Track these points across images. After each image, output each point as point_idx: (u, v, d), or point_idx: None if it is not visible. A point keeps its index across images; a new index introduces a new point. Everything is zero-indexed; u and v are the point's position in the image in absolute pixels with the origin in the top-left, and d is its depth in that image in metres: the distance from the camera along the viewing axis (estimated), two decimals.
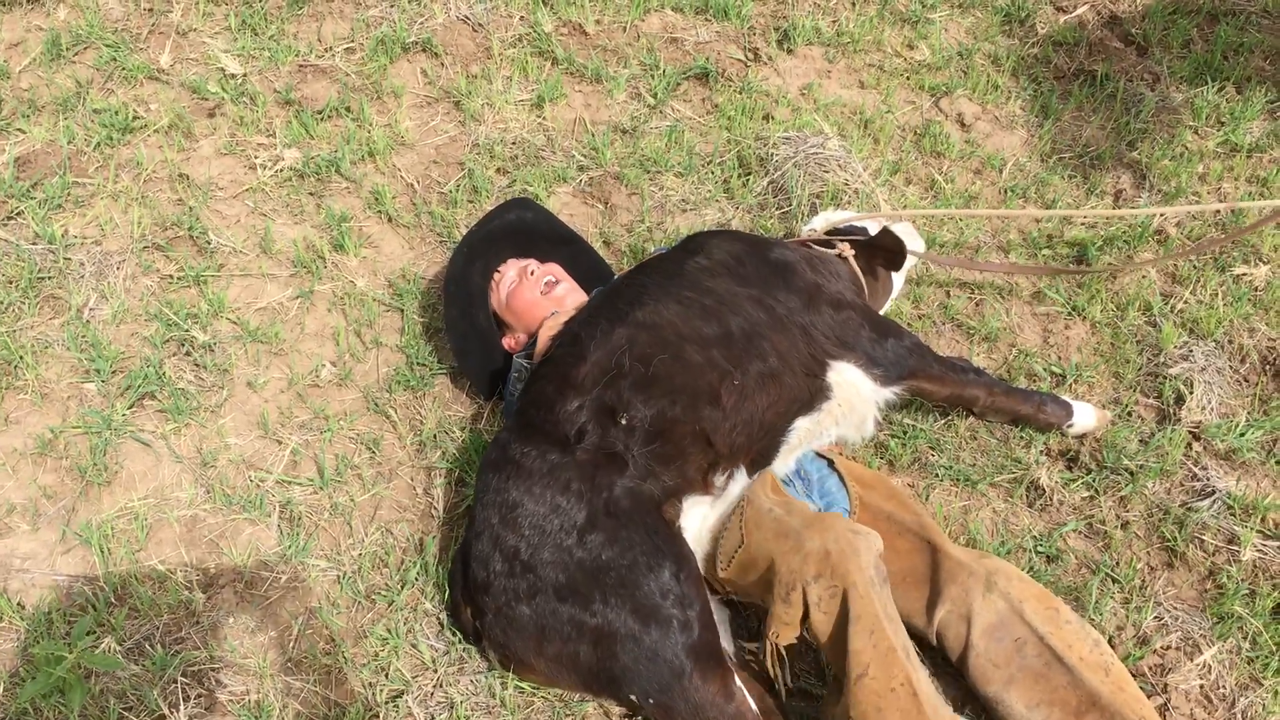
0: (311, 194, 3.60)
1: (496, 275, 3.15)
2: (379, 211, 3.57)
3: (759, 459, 2.58)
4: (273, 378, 3.14)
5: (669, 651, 2.25)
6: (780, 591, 2.31)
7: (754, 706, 2.29)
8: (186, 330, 3.17)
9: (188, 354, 3.14)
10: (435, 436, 3.04)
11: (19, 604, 2.63)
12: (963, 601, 2.44)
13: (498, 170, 3.72)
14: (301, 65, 3.94)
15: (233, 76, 3.85)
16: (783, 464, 2.65)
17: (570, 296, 3.08)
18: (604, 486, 2.35)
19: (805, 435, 2.65)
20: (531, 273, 3.09)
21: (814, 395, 2.64)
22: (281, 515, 2.86)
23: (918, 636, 2.53)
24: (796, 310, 2.69)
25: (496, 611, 2.38)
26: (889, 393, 2.79)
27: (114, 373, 3.07)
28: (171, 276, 3.32)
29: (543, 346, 2.78)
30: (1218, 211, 3.67)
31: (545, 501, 2.34)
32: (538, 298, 3.04)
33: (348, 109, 3.83)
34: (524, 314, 3.06)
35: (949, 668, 2.57)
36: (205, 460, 2.95)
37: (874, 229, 3.15)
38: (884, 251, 3.04)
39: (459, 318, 3.06)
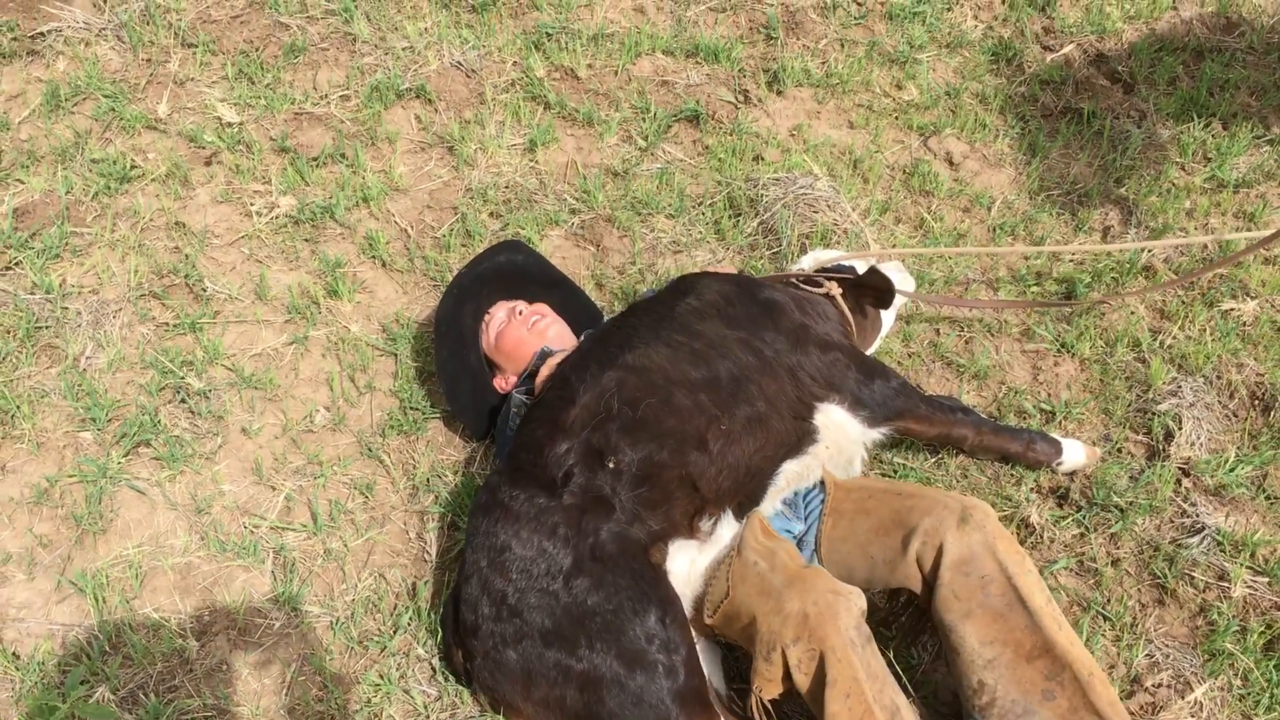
0: (306, 240, 3.64)
1: (486, 318, 3.18)
2: (373, 256, 3.61)
3: (745, 502, 2.59)
4: (267, 424, 3.17)
5: (654, 697, 2.25)
6: (762, 650, 2.33)
7: None
8: (182, 378, 3.20)
9: (183, 401, 3.17)
10: (428, 480, 3.06)
11: (13, 653, 2.64)
12: (935, 533, 2.42)
13: (490, 214, 3.77)
14: (297, 113, 4.00)
15: (229, 125, 3.91)
16: (770, 505, 2.66)
17: (558, 334, 3.11)
18: (590, 531, 2.37)
19: (792, 478, 2.67)
20: (520, 313, 3.12)
21: (801, 438, 2.66)
22: (275, 561, 2.88)
23: (895, 586, 2.53)
24: (784, 351, 2.71)
25: (484, 655, 2.40)
26: (876, 433, 2.81)
27: (110, 421, 3.10)
28: (167, 324, 3.36)
29: (543, 381, 2.80)
30: (1205, 246, 3.70)
31: (532, 545, 2.36)
32: (525, 335, 3.08)
33: (343, 155, 3.88)
34: (513, 353, 3.08)
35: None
36: (200, 507, 2.97)
37: (863, 268, 3.18)
38: (872, 290, 3.07)
39: (449, 358, 3.08)
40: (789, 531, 2.72)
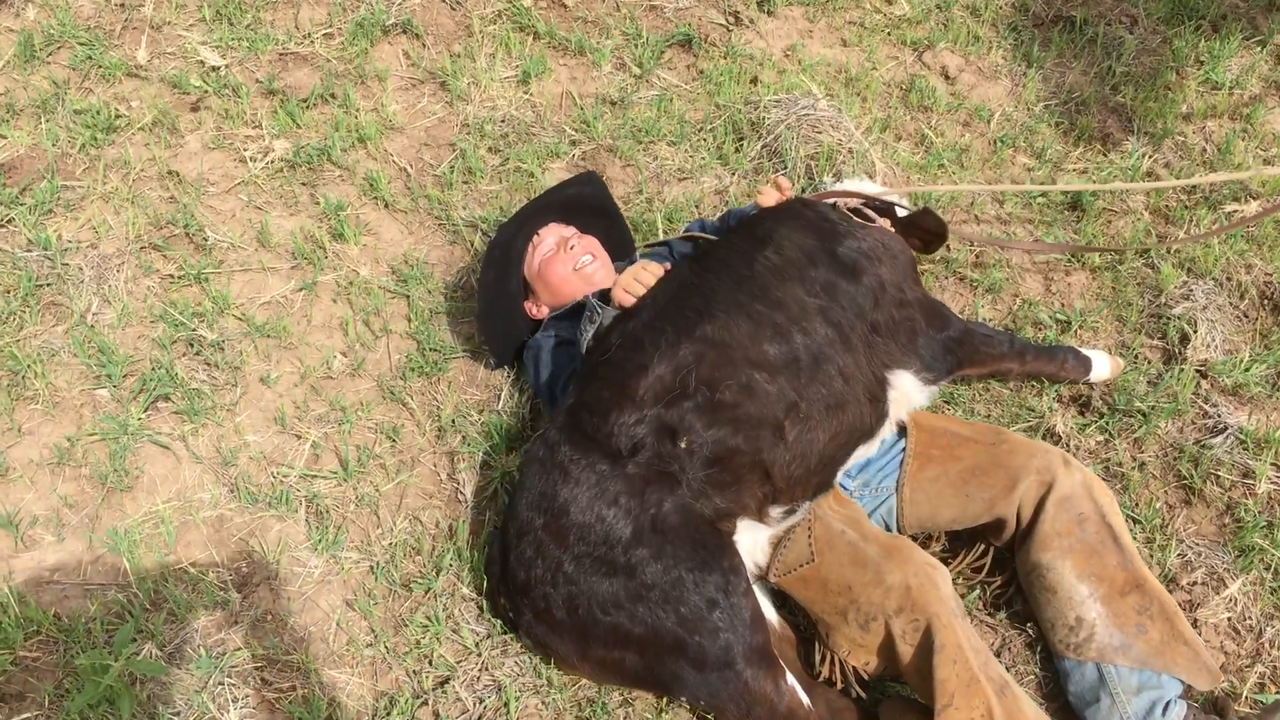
0: (304, 184, 3.56)
1: (536, 238, 3.11)
2: (375, 198, 3.54)
3: (818, 491, 2.53)
4: (285, 372, 3.13)
5: (717, 659, 2.26)
6: (858, 619, 2.36)
7: (806, 701, 2.31)
8: (193, 329, 3.14)
9: (197, 353, 3.12)
10: (454, 421, 3.04)
11: (55, 615, 2.61)
12: (1047, 471, 2.53)
13: (489, 149, 3.70)
14: (282, 54, 3.89)
15: (213, 69, 3.79)
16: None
17: (603, 278, 3.03)
18: (653, 503, 2.31)
19: (858, 458, 2.64)
20: (571, 246, 3.04)
21: (875, 423, 2.58)
22: (308, 509, 2.86)
23: (992, 529, 2.62)
24: (863, 310, 2.60)
25: (536, 615, 2.38)
26: (935, 389, 2.79)
27: (125, 376, 3.04)
28: (172, 276, 3.29)
29: (619, 299, 2.68)
30: (1203, 150, 3.73)
31: (592, 512, 2.31)
32: (569, 274, 3.01)
33: (332, 95, 3.79)
34: (554, 287, 3.03)
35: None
36: (226, 459, 2.93)
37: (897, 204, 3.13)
38: (922, 233, 2.97)
39: (493, 281, 3.02)
40: (843, 487, 2.73)
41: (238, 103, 3.73)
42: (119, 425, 2.93)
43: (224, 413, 3.02)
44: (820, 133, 3.63)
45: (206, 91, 3.74)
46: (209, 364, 3.10)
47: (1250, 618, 2.66)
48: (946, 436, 2.67)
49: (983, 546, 2.68)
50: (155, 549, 2.76)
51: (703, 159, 3.68)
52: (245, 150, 3.61)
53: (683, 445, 2.35)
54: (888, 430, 2.68)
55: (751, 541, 2.51)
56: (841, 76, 3.97)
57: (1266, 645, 2.62)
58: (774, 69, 3.97)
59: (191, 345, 3.13)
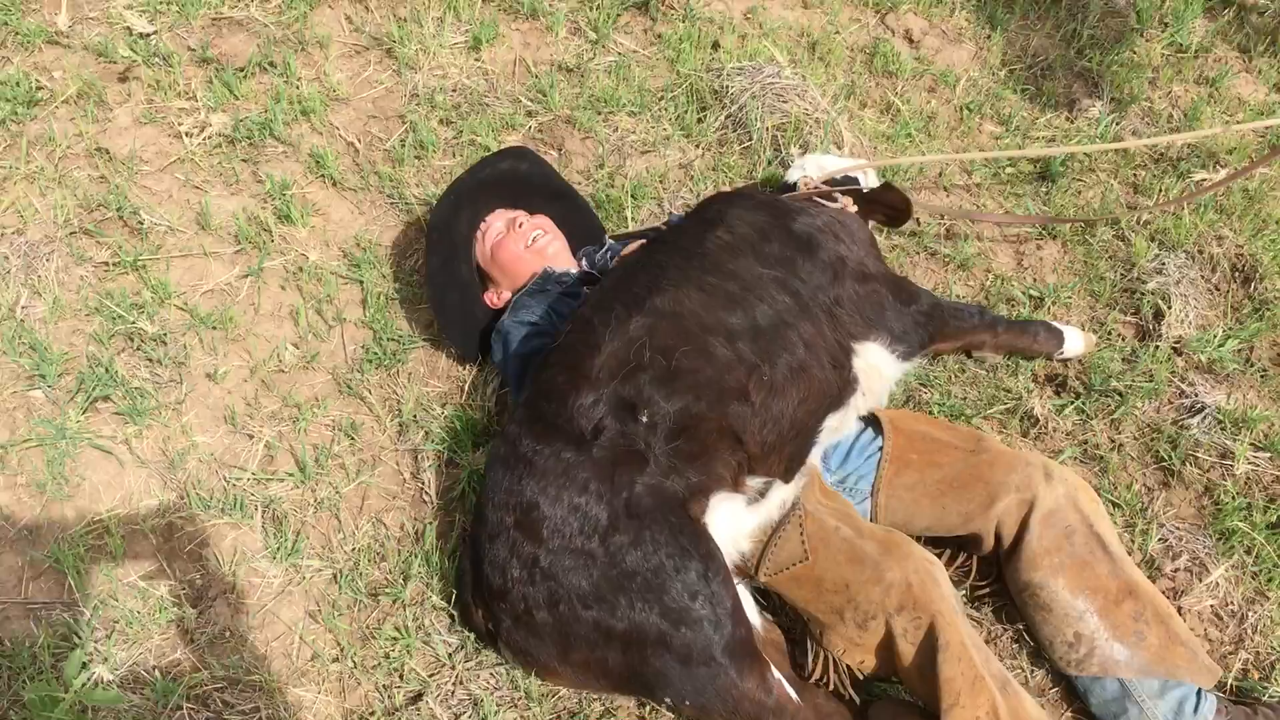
0: (245, 161, 3.36)
1: (483, 225, 3.00)
2: (322, 175, 3.35)
3: (793, 462, 2.44)
4: (233, 366, 2.96)
5: (702, 652, 2.17)
6: (855, 617, 2.28)
7: (794, 696, 2.24)
8: (132, 322, 2.95)
9: (138, 348, 2.93)
10: (416, 416, 2.90)
11: None
12: (1027, 488, 2.44)
13: (441, 121, 3.52)
14: (215, 19, 3.66)
15: (142, 36, 3.56)
16: (813, 460, 2.54)
17: (559, 253, 2.95)
18: (624, 486, 2.22)
19: (831, 433, 2.55)
20: (520, 225, 2.95)
21: (842, 389, 2.51)
22: (264, 515, 2.71)
23: (970, 541, 2.55)
24: (822, 288, 2.54)
25: (515, 619, 2.27)
26: (909, 365, 2.72)
27: (61, 376, 2.85)
28: (106, 264, 3.09)
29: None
30: (1170, 117, 3.67)
31: (563, 504, 2.21)
32: (522, 252, 2.91)
33: (271, 64, 3.58)
34: (509, 268, 2.92)
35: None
36: (173, 463, 2.77)
37: (864, 179, 3.04)
38: (886, 207, 2.91)
39: (439, 268, 2.91)
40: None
41: (169, 73, 3.50)
42: (56, 429, 2.75)
43: (169, 412, 2.84)
44: (786, 102, 3.51)
45: (135, 60, 3.51)
46: (151, 360, 2.92)
47: (1233, 603, 2.64)
48: (925, 441, 2.59)
49: (964, 556, 2.62)
50: (101, 562, 2.59)
51: (665, 130, 3.54)
52: (180, 124, 3.39)
53: (644, 419, 2.26)
54: (861, 404, 2.61)
55: (733, 528, 2.40)
56: (804, 41, 3.85)
57: (1249, 631, 2.60)
58: (735, 33, 3.83)
59: (131, 339, 2.94)
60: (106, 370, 2.85)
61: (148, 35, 3.56)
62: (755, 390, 2.33)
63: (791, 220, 2.64)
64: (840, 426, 2.57)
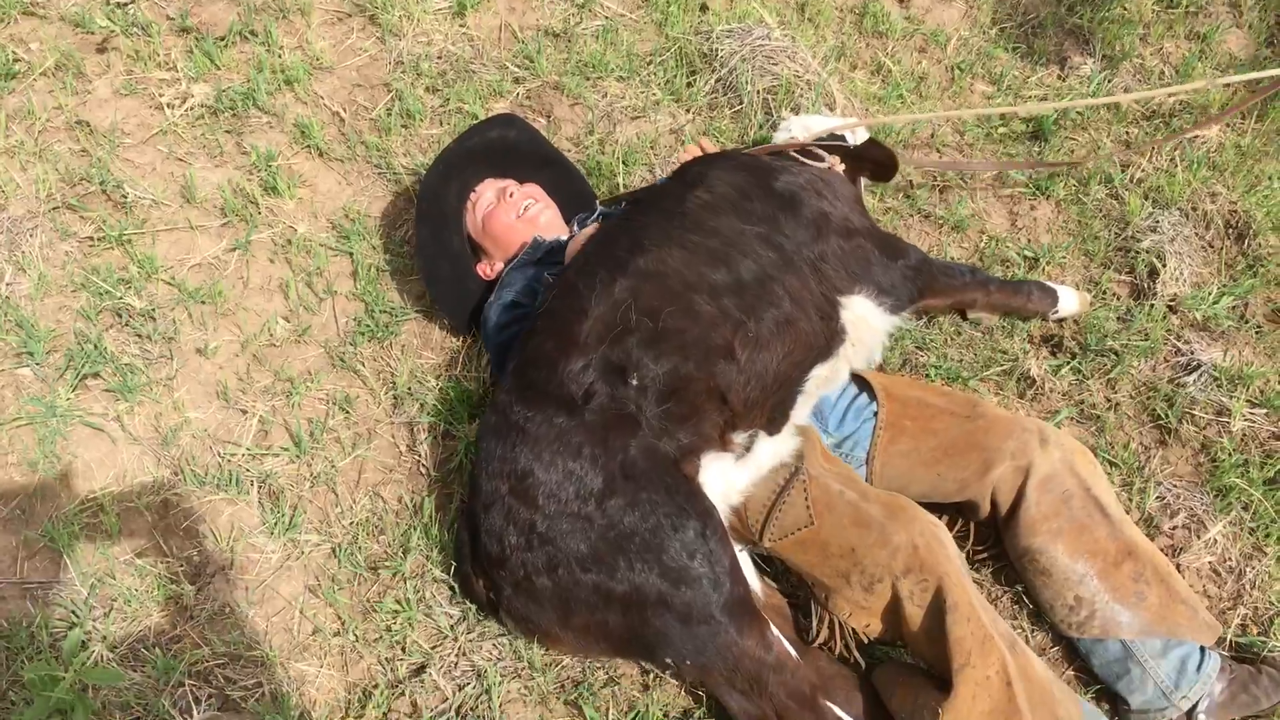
0: (229, 132, 3.31)
1: (473, 196, 2.97)
2: (308, 146, 3.31)
3: (777, 414, 2.44)
4: (224, 341, 2.92)
5: (701, 611, 2.17)
6: (861, 581, 2.28)
7: (793, 652, 2.25)
8: (120, 297, 2.91)
9: (126, 324, 2.89)
10: (410, 389, 2.87)
11: None
12: (1023, 454, 2.44)
13: (427, 89, 3.47)
14: None
15: (119, 5, 3.49)
16: (801, 414, 2.53)
17: (549, 221, 2.92)
18: (618, 449, 2.22)
19: (821, 383, 2.54)
20: (510, 195, 2.92)
21: (830, 340, 2.51)
22: (261, 490, 2.69)
23: (966, 508, 2.55)
24: (806, 244, 2.54)
25: (515, 586, 2.27)
26: (899, 319, 2.71)
27: (49, 353, 2.81)
28: (91, 238, 3.04)
29: (573, 255, 2.62)
30: (1162, 74, 3.65)
31: (557, 469, 2.20)
32: (514, 221, 2.90)
33: (252, 32, 3.51)
34: (501, 238, 2.90)
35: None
36: (166, 439, 2.74)
37: (851, 137, 3.02)
38: (872, 164, 2.88)
39: (430, 239, 2.89)
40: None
41: (149, 42, 3.44)
42: (46, 407, 2.71)
43: (160, 388, 2.81)
44: (776, 64, 3.47)
45: (113, 31, 3.44)
46: (140, 335, 2.88)
47: (1230, 559, 2.65)
48: (920, 407, 2.58)
49: (961, 521, 2.62)
50: (97, 541, 2.57)
51: (655, 95, 3.50)
52: (161, 96, 3.33)
53: (634, 382, 2.27)
54: (852, 354, 2.61)
55: (724, 486, 2.40)
56: (792, 2, 3.80)
57: (1247, 587, 2.61)
58: None
59: (119, 315, 2.91)
60: (95, 346, 2.82)
61: (125, 4, 3.49)
62: (741, 346, 2.34)
63: (773, 179, 2.65)
64: (832, 377, 2.57)
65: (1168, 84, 3.65)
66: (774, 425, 2.43)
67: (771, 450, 2.44)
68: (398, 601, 2.51)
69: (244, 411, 2.81)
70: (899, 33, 3.75)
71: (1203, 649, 2.38)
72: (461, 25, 3.63)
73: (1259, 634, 2.54)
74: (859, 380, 2.69)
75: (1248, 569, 2.63)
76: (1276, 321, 3.05)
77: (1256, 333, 3.02)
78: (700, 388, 2.30)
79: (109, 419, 2.75)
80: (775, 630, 2.26)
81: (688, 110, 3.48)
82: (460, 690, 2.40)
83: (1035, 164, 3.36)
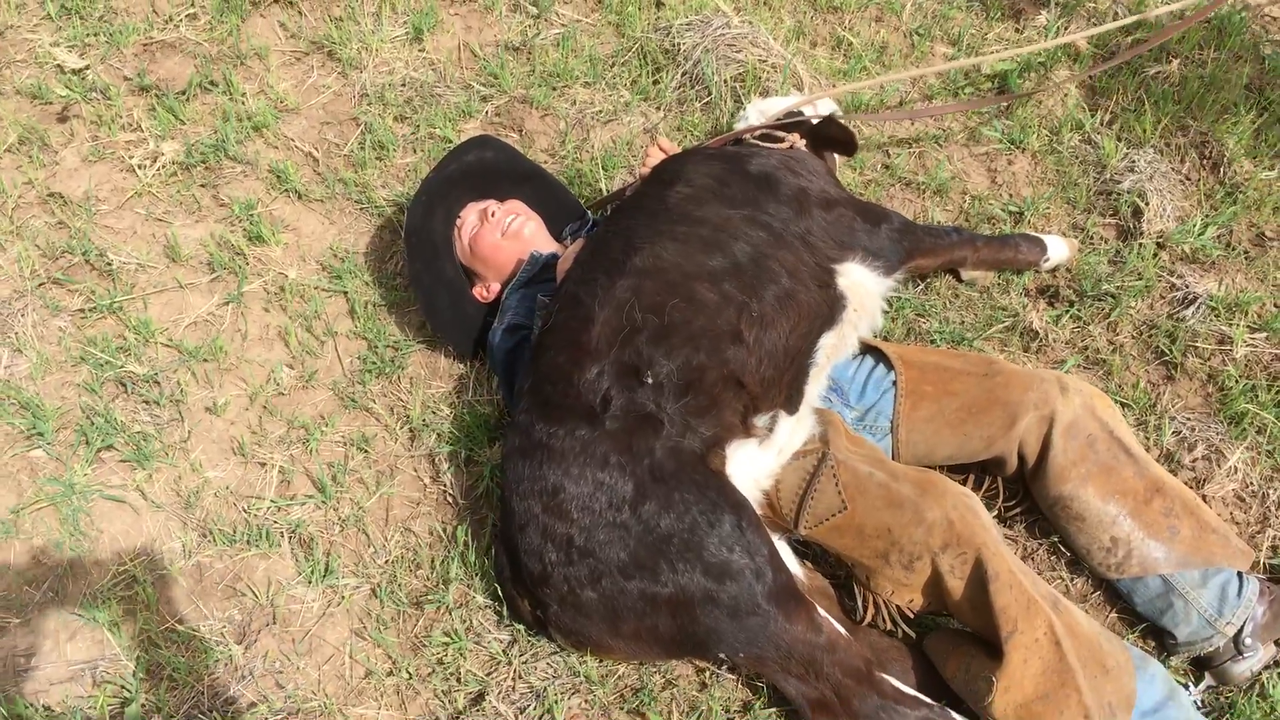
0: (204, 186, 3.29)
1: (458, 222, 2.97)
2: (285, 190, 3.29)
3: (793, 390, 2.46)
4: (231, 396, 2.91)
5: (748, 603, 2.19)
6: (900, 559, 2.30)
7: (843, 631, 2.27)
8: (121, 366, 2.89)
9: (132, 392, 2.87)
10: (425, 420, 2.87)
11: (45, 707, 2.40)
12: (1045, 404, 2.47)
13: (396, 118, 3.46)
14: (146, 44, 3.56)
15: (75, 72, 3.45)
16: (816, 390, 2.55)
17: (536, 234, 2.94)
18: (644, 453, 2.23)
19: (830, 352, 2.56)
20: (491, 214, 2.93)
21: (832, 308, 2.55)
22: (292, 540, 2.68)
23: (992, 465, 2.58)
24: (791, 219, 2.58)
25: (561, 601, 2.28)
26: (892, 281, 2.74)
27: (59, 430, 2.79)
28: (82, 310, 3.01)
29: (563, 272, 2.65)
30: (1115, 15, 3.70)
31: (587, 481, 2.21)
32: (499, 240, 2.91)
33: (212, 83, 3.49)
34: (490, 259, 2.91)
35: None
36: (189, 502, 2.72)
37: (810, 112, 3.04)
38: (832, 141, 2.92)
39: (423, 271, 2.89)
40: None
41: (110, 105, 3.41)
42: (65, 486, 2.69)
43: (176, 452, 2.80)
44: (739, 52, 3.48)
45: (72, 98, 3.41)
46: (147, 401, 2.86)
47: (1252, 484, 2.69)
48: (937, 371, 2.61)
49: (988, 479, 2.65)
50: (135, 613, 2.55)
51: (623, 97, 3.51)
52: (130, 157, 3.31)
53: (649, 380, 2.28)
54: (856, 320, 2.64)
55: (753, 472, 2.42)
56: None
57: (1272, 509, 2.65)
58: None
59: (123, 385, 2.88)
60: (105, 419, 2.79)
61: (80, 70, 3.45)
62: (747, 328, 2.36)
63: (746, 164, 2.69)
64: (840, 345, 2.60)
65: (1127, 29, 3.69)
66: (792, 403, 2.45)
67: (794, 429, 2.46)
68: (446, 633, 2.51)
69: (262, 464, 2.79)
70: (853, 5, 3.78)
71: (1240, 574, 2.42)
72: (420, 50, 3.62)
73: None
74: (874, 352, 2.71)
75: (1270, 491, 2.67)
76: (1262, 245, 3.10)
77: (1245, 258, 3.06)
78: (715, 376, 2.32)
79: (129, 489, 2.73)
80: (823, 612, 2.27)
81: (658, 108, 3.49)
82: (522, 713, 2.40)
83: (1000, 99, 3.42)
